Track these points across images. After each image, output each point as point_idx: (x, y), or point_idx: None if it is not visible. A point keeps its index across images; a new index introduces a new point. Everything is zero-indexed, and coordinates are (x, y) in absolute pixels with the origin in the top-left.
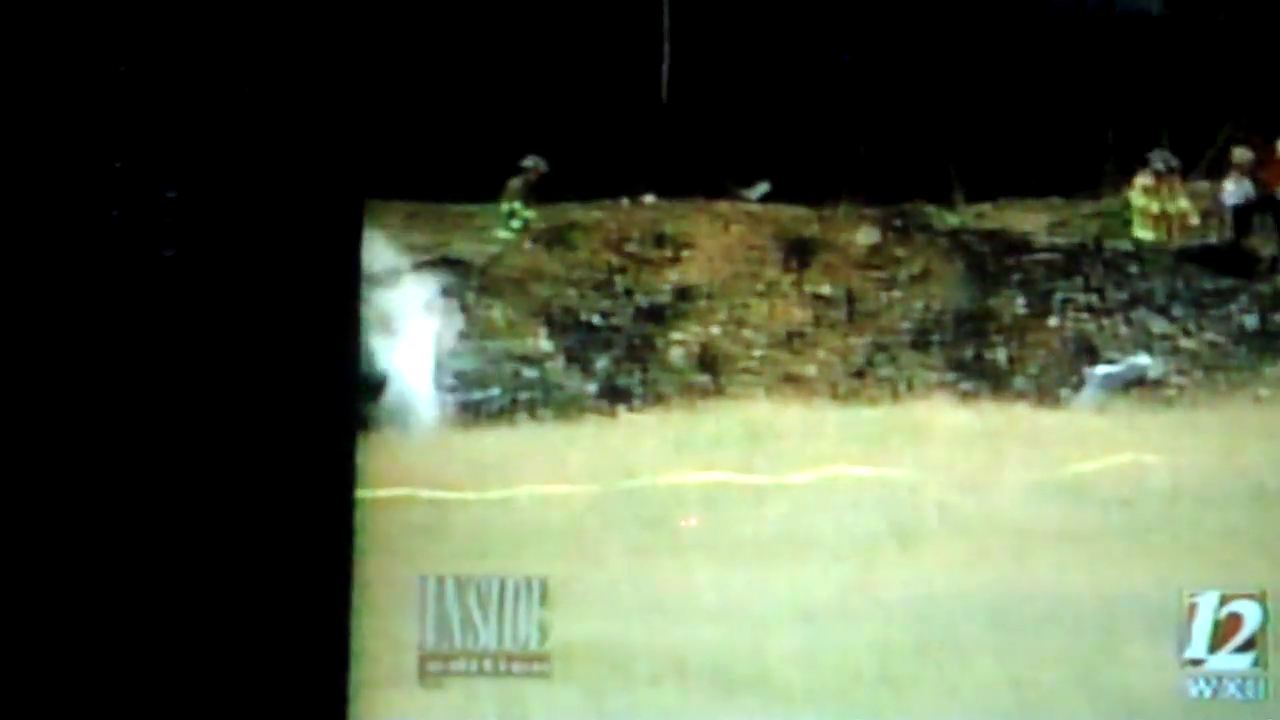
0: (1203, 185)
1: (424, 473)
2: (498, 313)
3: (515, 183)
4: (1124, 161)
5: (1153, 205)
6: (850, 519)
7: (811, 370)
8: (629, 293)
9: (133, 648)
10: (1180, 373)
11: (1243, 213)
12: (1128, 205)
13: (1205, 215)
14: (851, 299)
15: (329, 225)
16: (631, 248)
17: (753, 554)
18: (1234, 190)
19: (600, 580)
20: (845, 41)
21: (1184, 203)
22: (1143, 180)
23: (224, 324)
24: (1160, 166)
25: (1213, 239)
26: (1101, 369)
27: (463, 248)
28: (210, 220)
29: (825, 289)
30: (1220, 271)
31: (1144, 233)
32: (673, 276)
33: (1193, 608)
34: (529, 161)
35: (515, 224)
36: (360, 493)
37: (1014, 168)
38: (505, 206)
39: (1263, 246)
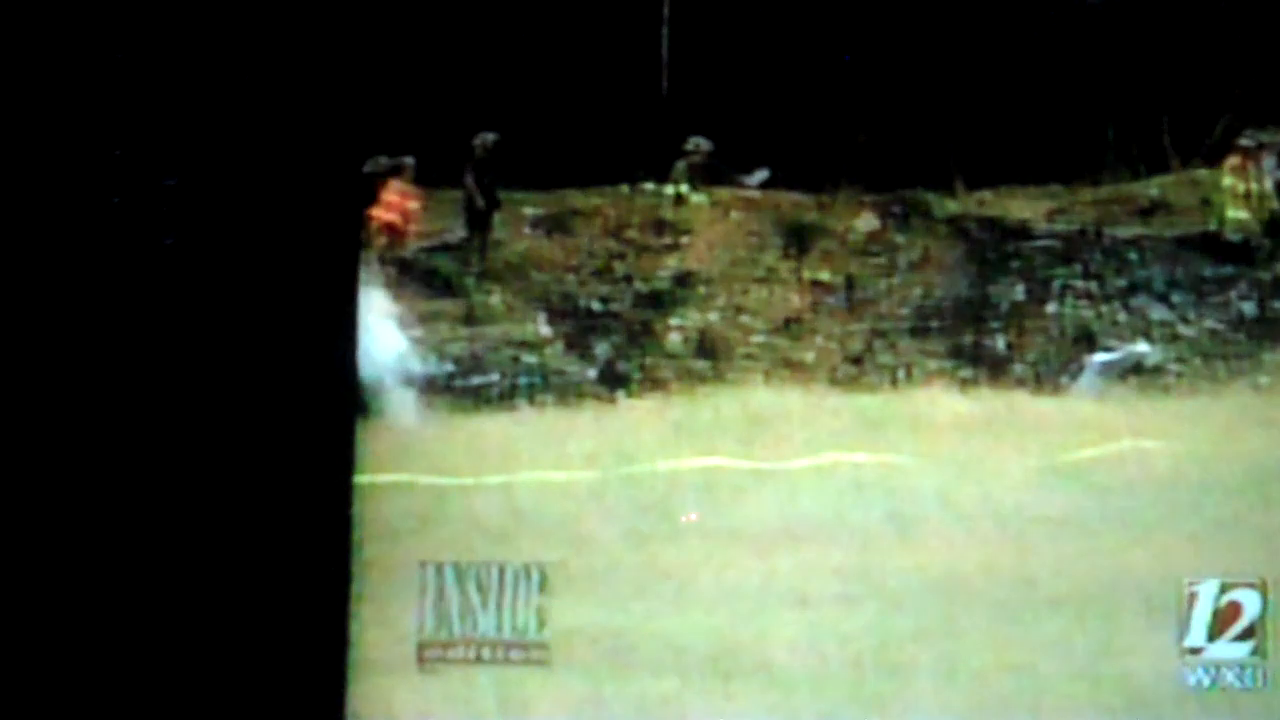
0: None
1: (423, 458)
2: (497, 298)
3: (681, 165)
4: (1123, 148)
5: (1240, 185)
6: (848, 505)
7: (810, 357)
8: (628, 279)
9: (132, 635)
10: (1179, 360)
11: None
12: (1217, 187)
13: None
14: (851, 286)
15: (329, 213)
16: (631, 234)
17: (751, 540)
18: None
19: (599, 567)
20: (845, 28)
21: (1269, 181)
22: (1232, 160)
23: (224, 311)
24: (1249, 143)
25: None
26: (1100, 356)
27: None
28: (210, 208)
29: (824, 275)
30: (1219, 259)
31: (1235, 213)
32: (672, 263)
33: (1192, 596)
34: (693, 143)
35: (683, 208)
36: (359, 478)
37: (1014, 155)
38: (672, 190)
39: None
